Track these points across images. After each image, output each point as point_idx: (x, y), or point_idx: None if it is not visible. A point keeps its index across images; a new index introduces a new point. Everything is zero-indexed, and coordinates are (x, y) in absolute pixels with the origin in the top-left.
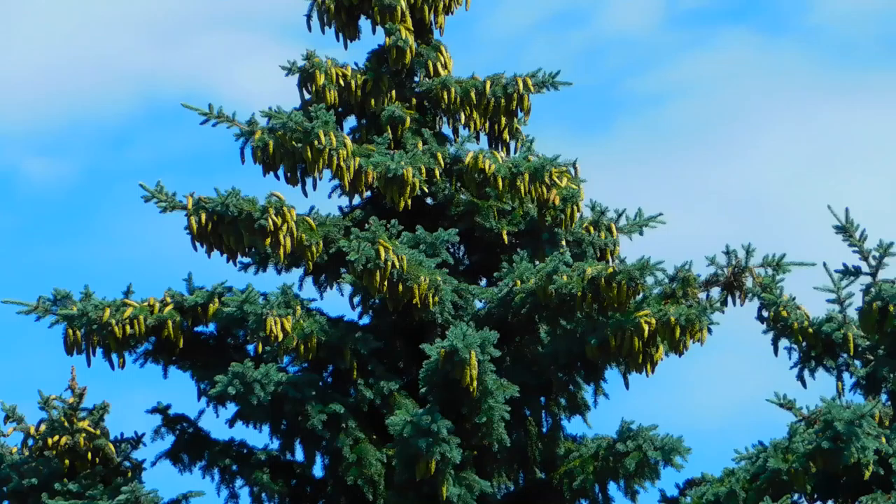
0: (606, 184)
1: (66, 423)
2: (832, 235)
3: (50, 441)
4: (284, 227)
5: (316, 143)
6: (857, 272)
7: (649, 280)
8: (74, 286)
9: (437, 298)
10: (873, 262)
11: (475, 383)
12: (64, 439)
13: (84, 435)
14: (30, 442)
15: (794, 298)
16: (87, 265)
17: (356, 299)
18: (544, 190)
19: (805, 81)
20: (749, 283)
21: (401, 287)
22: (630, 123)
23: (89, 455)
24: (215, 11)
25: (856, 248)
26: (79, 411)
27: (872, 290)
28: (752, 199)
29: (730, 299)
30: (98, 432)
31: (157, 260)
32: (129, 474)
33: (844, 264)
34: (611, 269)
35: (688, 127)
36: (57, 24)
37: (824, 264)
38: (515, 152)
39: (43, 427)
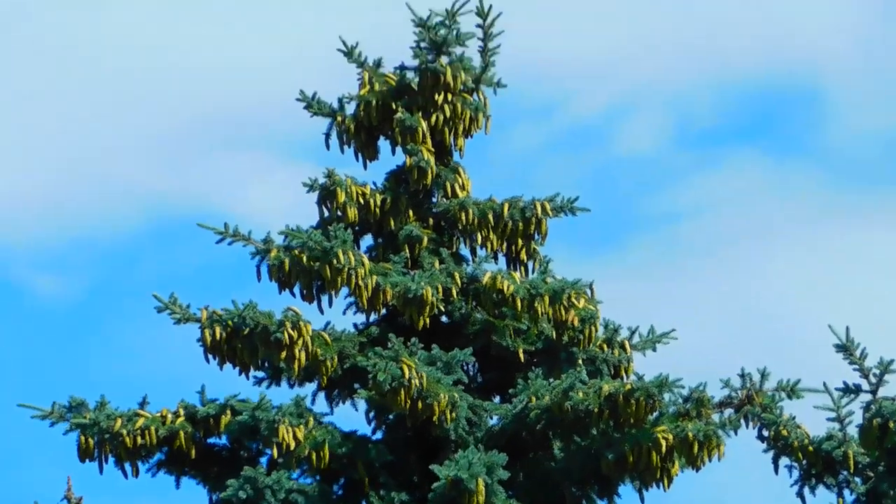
0: (619, 301)
1: None
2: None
3: None
4: (300, 342)
5: (335, 261)
6: (857, 390)
7: (674, 394)
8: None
9: (454, 415)
10: (874, 380)
11: None
12: None
13: None
14: None
15: (794, 417)
16: (96, 379)
17: (371, 414)
18: (562, 311)
19: (816, 201)
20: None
21: (421, 404)
22: (642, 242)
23: None
24: (225, 132)
25: (856, 366)
26: None
27: (873, 407)
28: (762, 316)
29: (743, 421)
30: None
31: (167, 374)
32: None
33: (845, 382)
34: (629, 386)
35: (700, 246)
36: (68, 141)
37: (824, 384)
38: (532, 273)
39: None
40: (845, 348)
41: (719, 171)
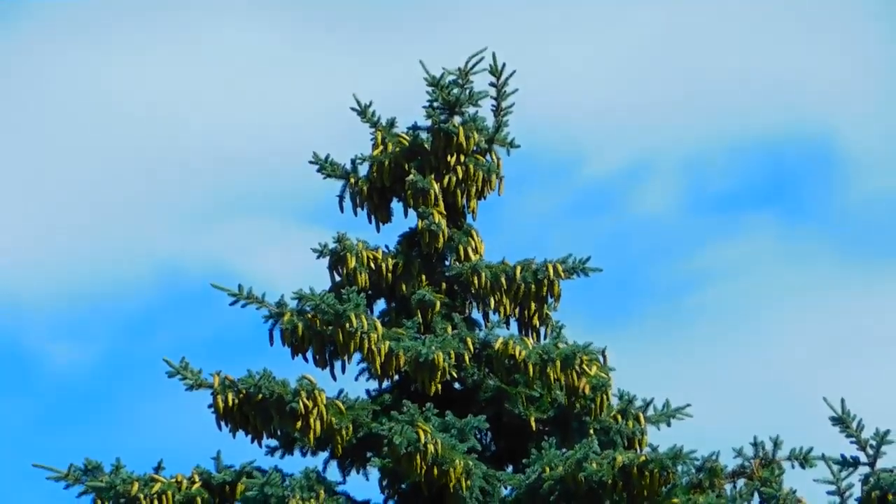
0: (631, 369)
1: None
2: None
3: None
4: (315, 411)
5: (347, 325)
6: (856, 462)
7: (689, 466)
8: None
9: (468, 483)
10: (871, 452)
11: None
12: None
13: None
14: None
15: (794, 491)
16: (109, 449)
17: (385, 483)
18: (574, 378)
19: (828, 268)
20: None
21: (436, 471)
22: (655, 309)
23: None
24: (239, 197)
25: (853, 439)
26: None
27: (871, 479)
28: (774, 387)
29: (756, 492)
30: None
31: (181, 443)
32: None
33: (843, 455)
34: (643, 458)
35: (712, 313)
36: (82, 206)
37: (823, 455)
38: (545, 338)
39: None
40: (841, 420)
41: (733, 236)
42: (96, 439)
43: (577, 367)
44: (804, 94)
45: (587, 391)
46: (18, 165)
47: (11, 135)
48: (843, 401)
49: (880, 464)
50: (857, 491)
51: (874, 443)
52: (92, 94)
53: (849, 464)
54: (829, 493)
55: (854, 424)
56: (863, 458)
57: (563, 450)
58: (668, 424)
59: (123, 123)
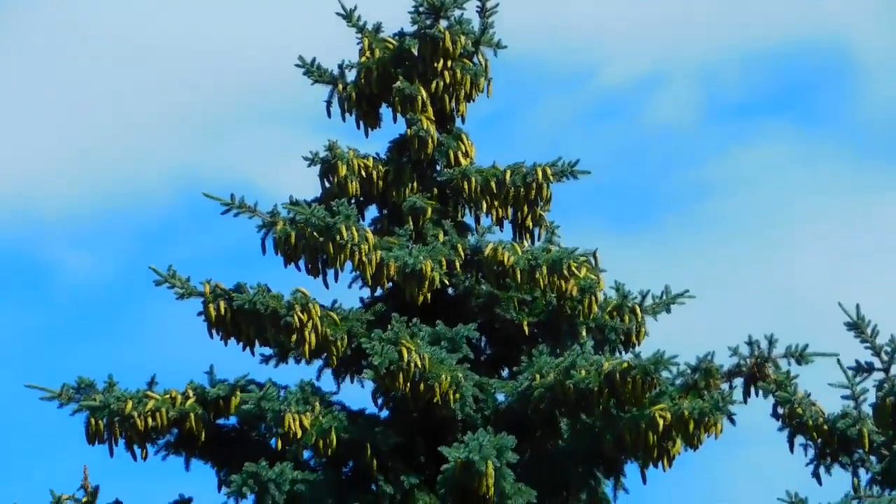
0: (647, 278)
1: None
2: None
3: None
4: (309, 324)
5: (338, 237)
6: (870, 368)
7: (672, 371)
8: (103, 379)
9: (458, 395)
10: (885, 358)
11: (492, 490)
12: None
13: None
14: None
15: (808, 395)
16: (123, 360)
17: (378, 394)
18: (562, 282)
19: (844, 174)
20: (771, 372)
21: (422, 386)
22: (670, 217)
23: None
24: (257, 107)
25: (868, 344)
26: None
27: (885, 385)
28: (790, 293)
29: (752, 390)
30: None
31: (186, 354)
32: None
33: (857, 360)
34: (626, 364)
35: (727, 220)
36: (102, 117)
37: (838, 360)
38: (539, 239)
39: None
40: (856, 326)
41: (748, 144)
42: (111, 351)
43: (565, 271)
44: (819, 2)
45: (574, 293)
46: (35, 77)
47: (28, 46)
48: (858, 306)
49: (895, 370)
50: (871, 396)
51: (889, 349)
52: (108, 5)
53: (863, 369)
54: (843, 397)
55: (869, 330)
56: (877, 364)
57: (557, 353)
58: (668, 311)
59: (138, 35)
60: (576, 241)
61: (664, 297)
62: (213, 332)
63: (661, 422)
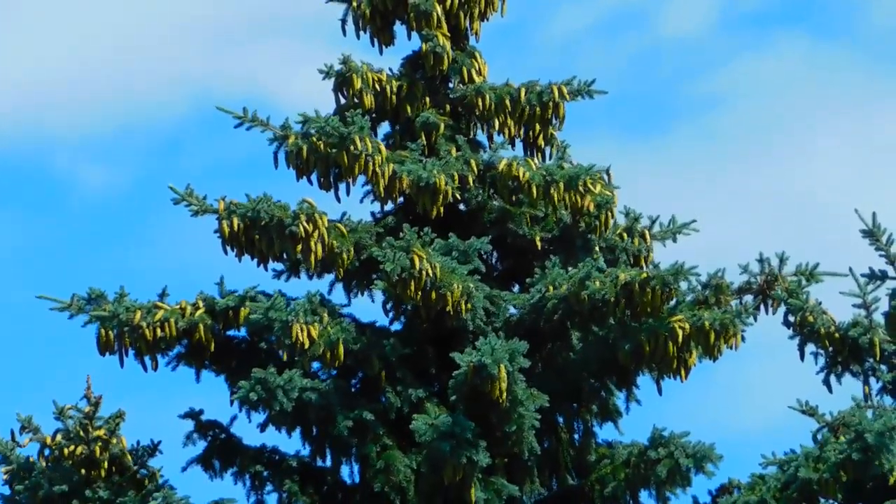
0: (660, 188)
1: (81, 433)
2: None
3: (66, 451)
4: (315, 234)
5: (352, 148)
6: (883, 276)
7: (682, 286)
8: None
9: (469, 305)
10: None
11: (504, 395)
12: (80, 449)
13: (100, 444)
14: (46, 452)
15: (820, 303)
16: (138, 273)
17: (388, 305)
18: (578, 198)
19: (858, 82)
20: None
21: (434, 295)
22: (685, 128)
23: (105, 464)
24: (270, 19)
25: (882, 252)
26: (94, 420)
27: None
28: (804, 203)
29: (762, 307)
30: (114, 441)
31: (201, 267)
32: (146, 482)
33: (871, 268)
34: (644, 275)
35: (742, 131)
36: (111, 29)
37: (850, 269)
38: (550, 158)
39: (59, 437)
40: (871, 233)
41: (762, 53)
42: (126, 264)
43: (580, 188)
44: None
45: (591, 209)
46: None
47: None
48: (874, 214)
49: None
50: (883, 305)
51: None
52: None
53: (876, 277)
54: (854, 306)
55: (884, 238)
56: (891, 273)
57: (567, 269)
58: (674, 240)
59: None
60: (589, 153)
61: (671, 226)
62: (228, 248)
63: (680, 332)
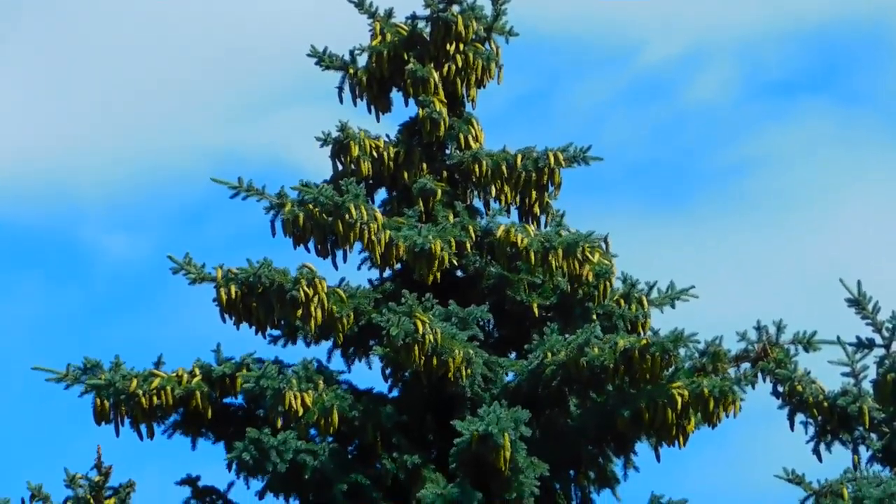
0: (682, 255)
1: (91, 502)
2: None
3: None
4: (315, 299)
5: (347, 216)
6: (871, 344)
7: (681, 353)
8: (138, 361)
9: (469, 372)
10: (887, 334)
11: (508, 464)
12: None
13: None
14: None
15: (808, 373)
16: (153, 339)
17: (388, 371)
18: (577, 265)
19: (885, 150)
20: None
21: (435, 361)
22: (708, 196)
23: None
24: (295, 87)
25: (869, 321)
26: (105, 490)
27: (886, 361)
28: (829, 273)
29: (760, 375)
30: None
31: (209, 333)
32: None
33: (858, 337)
34: (644, 342)
35: (766, 198)
36: (137, 98)
37: (838, 338)
38: (546, 226)
39: None
40: (857, 302)
41: (788, 122)
42: (144, 332)
43: (579, 255)
44: None
45: (590, 278)
46: (75, 57)
47: (67, 25)
48: (859, 283)
49: None
50: (871, 373)
51: (890, 325)
52: None
53: (864, 345)
54: (843, 374)
55: (870, 307)
56: (878, 341)
57: (566, 335)
58: (672, 306)
59: (176, 15)
60: (609, 220)
61: (669, 292)
62: (226, 315)
63: (679, 399)
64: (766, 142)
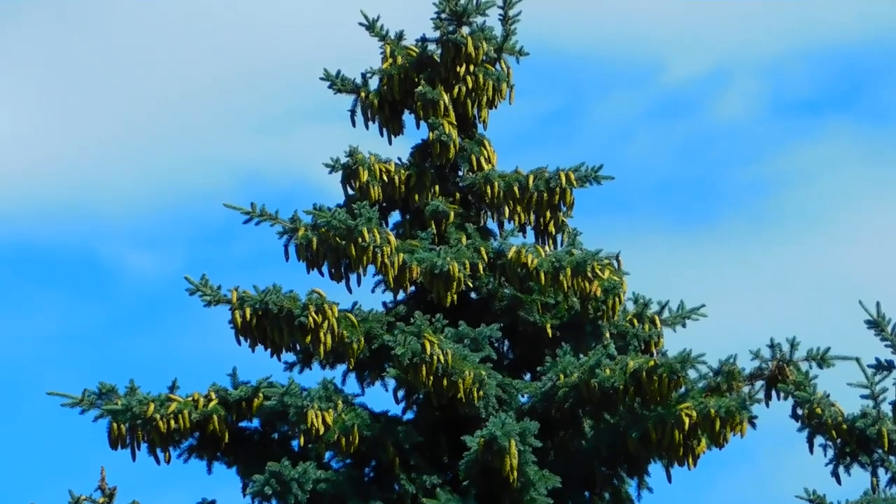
0: (707, 274)
1: None
2: None
3: None
4: (325, 325)
5: (360, 240)
6: (890, 366)
7: (693, 373)
8: (158, 378)
9: (481, 393)
10: None
11: (515, 473)
12: None
13: None
14: None
15: (828, 395)
16: (176, 358)
17: (400, 394)
18: (586, 283)
19: None
20: (790, 372)
21: (445, 381)
22: (734, 213)
23: None
24: (320, 104)
25: (888, 343)
26: None
27: None
28: (853, 291)
29: (773, 393)
30: None
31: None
32: None
33: (877, 359)
34: (652, 363)
35: (792, 216)
36: (160, 116)
37: (857, 360)
38: (562, 245)
39: None
40: (876, 324)
41: (813, 140)
42: (173, 350)
43: (588, 273)
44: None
45: (598, 294)
46: (98, 76)
47: (90, 45)
48: (878, 304)
49: None
50: (890, 395)
51: None
52: (171, 3)
53: (883, 367)
54: (862, 396)
55: (889, 328)
56: None
57: (579, 356)
58: (684, 326)
59: (201, 32)
60: (636, 238)
61: (680, 312)
62: (241, 338)
63: (686, 420)
64: (791, 160)
